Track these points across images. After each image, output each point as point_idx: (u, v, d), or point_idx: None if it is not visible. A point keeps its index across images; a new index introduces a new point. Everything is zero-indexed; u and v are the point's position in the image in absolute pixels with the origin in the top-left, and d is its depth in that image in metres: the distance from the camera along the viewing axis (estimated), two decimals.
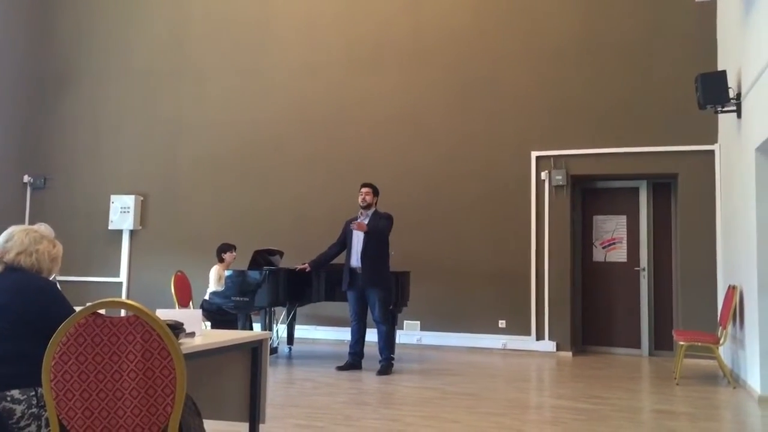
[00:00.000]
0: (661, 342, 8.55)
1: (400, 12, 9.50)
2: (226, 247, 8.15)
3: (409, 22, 9.45)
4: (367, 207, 7.04)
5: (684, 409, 5.39)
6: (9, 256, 2.72)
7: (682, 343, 6.64)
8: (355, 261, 6.91)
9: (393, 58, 9.45)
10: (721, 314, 7.15)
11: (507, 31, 9.04)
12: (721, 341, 6.63)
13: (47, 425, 2.50)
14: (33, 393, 2.54)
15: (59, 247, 2.89)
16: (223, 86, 10.17)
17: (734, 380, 6.61)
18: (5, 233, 2.80)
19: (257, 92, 10.00)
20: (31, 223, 2.99)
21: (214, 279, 7.87)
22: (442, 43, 9.28)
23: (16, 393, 2.51)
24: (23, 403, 2.51)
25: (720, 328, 6.84)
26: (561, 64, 8.78)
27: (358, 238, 6.95)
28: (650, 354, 8.56)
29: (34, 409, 2.52)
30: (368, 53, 9.56)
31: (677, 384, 6.48)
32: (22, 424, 2.50)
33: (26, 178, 10.80)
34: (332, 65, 9.69)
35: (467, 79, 9.13)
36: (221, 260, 8.07)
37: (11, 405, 2.48)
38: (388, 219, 7.03)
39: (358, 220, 7.03)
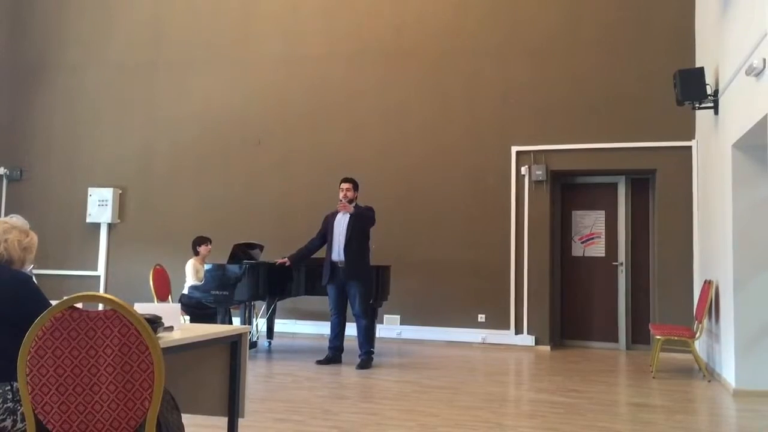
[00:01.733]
0: (638, 336, 8.64)
1: (382, 7, 9.48)
2: (200, 240, 8.12)
3: (391, 17, 9.43)
4: (348, 202, 7.03)
5: (660, 402, 5.46)
6: None
7: (658, 337, 6.72)
8: (337, 255, 6.90)
9: (375, 54, 9.43)
10: (697, 309, 7.24)
11: (488, 27, 9.06)
12: (696, 335, 6.71)
13: (23, 420, 2.47)
14: (8, 387, 2.51)
15: (33, 237, 2.86)
16: (203, 79, 10.09)
17: (709, 374, 6.70)
18: None
19: (237, 85, 9.94)
20: (7, 215, 2.94)
21: (191, 273, 7.84)
22: (423, 37, 9.28)
23: None
24: None
25: (696, 322, 6.93)
26: (541, 60, 8.81)
27: (340, 231, 6.94)
28: (627, 348, 8.64)
29: (10, 404, 2.50)
30: (350, 48, 9.53)
31: (654, 377, 6.56)
32: None
33: (2, 170, 10.65)
34: (314, 59, 9.64)
35: (448, 75, 9.14)
36: (196, 253, 8.04)
37: None
38: (370, 210, 7.04)
39: (340, 214, 7.03)
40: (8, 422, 2.49)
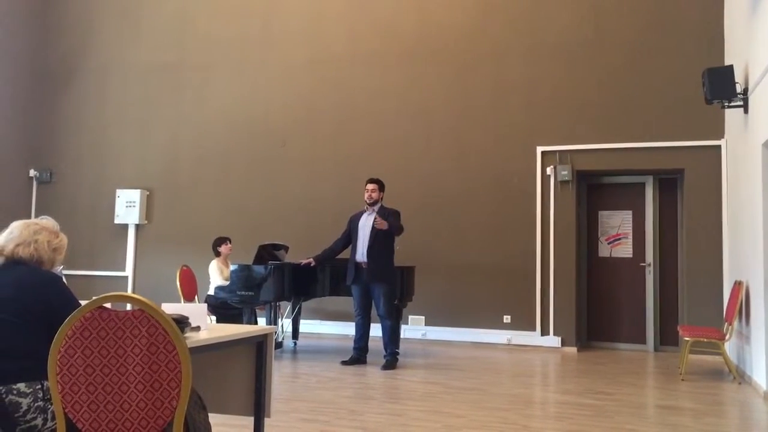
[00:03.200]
0: (667, 338, 8.54)
1: (405, 7, 9.47)
2: (220, 241, 8.18)
3: (414, 17, 9.42)
4: (374, 203, 7.04)
5: (689, 404, 5.39)
6: (8, 249, 2.72)
7: (687, 338, 6.63)
8: (361, 256, 6.91)
9: (398, 54, 9.43)
10: (726, 310, 7.14)
11: (512, 25, 9.01)
12: (726, 337, 6.61)
13: (53, 418, 2.51)
14: (39, 386, 2.54)
15: (62, 238, 2.89)
16: (228, 81, 10.17)
17: (740, 376, 6.59)
18: (7, 228, 2.81)
19: (262, 86, 10.00)
20: (37, 217, 2.98)
21: (216, 273, 7.89)
22: (447, 38, 9.25)
23: (22, 386, 2.51)
24: (29, 396, 2.51)
25: (726, 323, 6.83)
26: (567, 58, 8.75)
27: (364, 233, 6.95)
28: (655, 350, 8.54)
29: (40, 403, 2.53)
30: (373, 48, 9.54)
31: (682, 380, 6.47)
32: (29, 417, 2.50)
33: (32, 173, 10.83)
34: (337, 60, 9.67)
35: (472, 74, 9.10)
36: (217, 254, 8.10)
37: (17, 398, 2.49)
38: (397, 215, 7.03)
39: (365, 215, 7.05)
40: (39, 420, 2.52)
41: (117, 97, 10.72)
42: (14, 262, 2.72)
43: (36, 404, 2.52)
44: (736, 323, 6.68)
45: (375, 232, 6.89)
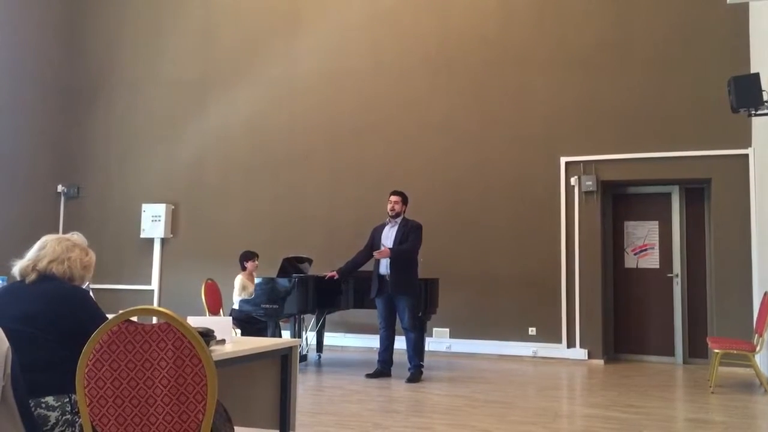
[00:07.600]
0: (696, 349, 8.41)
1: (428, 20, 9.50)
2: (247, 256, 8.16)
3: (436, 27, 9.44)
4: (396, 215, 7.05)
5: (719, 418, 5.29)
6: (42, 264, 2.76)
7: (716, 350, 6.52)
8: (384, 268, 6.90)
9: (420, 64, 9.45)
10: (757, 321, 7.01)
11: (535, 36, 8.99)
12: (757, 349, 6.49)
13: (81, 431, 2.53)
14: (67, 400, 2.56)
15: (92, 255, 2.93)
16: (252, 95, 10.25)
17: None
18: (39, 242, 2.84)
19: (285, 101, 10.06)
20: (65, 232, 3.01)
21: (238, 288, 7.87)
22: (470, 50, 9.26)
23: (50, 400, 2.54)
24: (57, 409, 2.54)
25: (756, 335, 6.71)
26: (590, 68, 8.70)
27: (387, 245, 6.94)
28: (684, 362, 8.41)
29: (68, 416, 2.55)
30: (397, 62, 9.57)
31: (712, 392, 6.37)
32: (57, 430, 2.52)
33: (60, 188, 10.98)
34: (361, 74, 9.71)
35: (495, 84, 9.09)
36: (243, 268, 8.10)
37: (46, 411, 2.51)
38: (417, 230, 7.01)
39: (388, 227, 7.05)
40: None
41: (142, 112, 10.85)
42: (45, 277, 2.75)
43: (64, 417, 2.54)
44: (766, 335, 6.56)
45: (398, 245, 6.89)
